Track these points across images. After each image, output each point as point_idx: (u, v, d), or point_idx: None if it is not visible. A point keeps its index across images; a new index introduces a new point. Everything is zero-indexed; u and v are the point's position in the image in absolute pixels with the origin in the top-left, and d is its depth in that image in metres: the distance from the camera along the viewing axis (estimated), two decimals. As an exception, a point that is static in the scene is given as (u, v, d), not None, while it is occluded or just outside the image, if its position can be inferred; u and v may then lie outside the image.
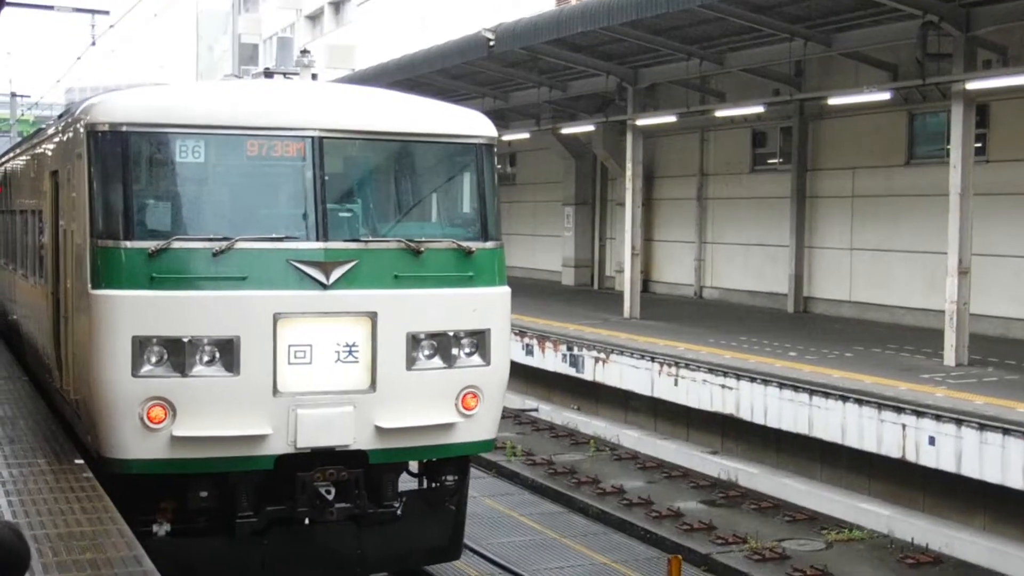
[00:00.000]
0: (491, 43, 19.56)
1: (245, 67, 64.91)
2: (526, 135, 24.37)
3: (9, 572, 2.39)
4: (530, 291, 23.65)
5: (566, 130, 24.26)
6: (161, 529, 7.66)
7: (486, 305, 8.29)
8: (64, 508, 6.43)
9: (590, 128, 23.46)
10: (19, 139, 39.83)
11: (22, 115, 45.31)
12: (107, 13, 18.64)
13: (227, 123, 7.78)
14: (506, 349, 8.48)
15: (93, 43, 19.18)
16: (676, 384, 14.88)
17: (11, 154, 15.52)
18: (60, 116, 12.77)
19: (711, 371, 14.24)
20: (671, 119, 20.09)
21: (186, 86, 13.55)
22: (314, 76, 8.84)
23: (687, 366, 14.70)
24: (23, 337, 12.58)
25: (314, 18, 55.26)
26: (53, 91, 44.38)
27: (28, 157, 12.33)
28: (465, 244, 8.19)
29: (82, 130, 7.88)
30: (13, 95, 44.55)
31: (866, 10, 15.45)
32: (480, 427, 8.25)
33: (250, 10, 65.93)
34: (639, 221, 20.13)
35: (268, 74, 9.01)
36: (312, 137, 7.84)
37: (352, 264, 7.73)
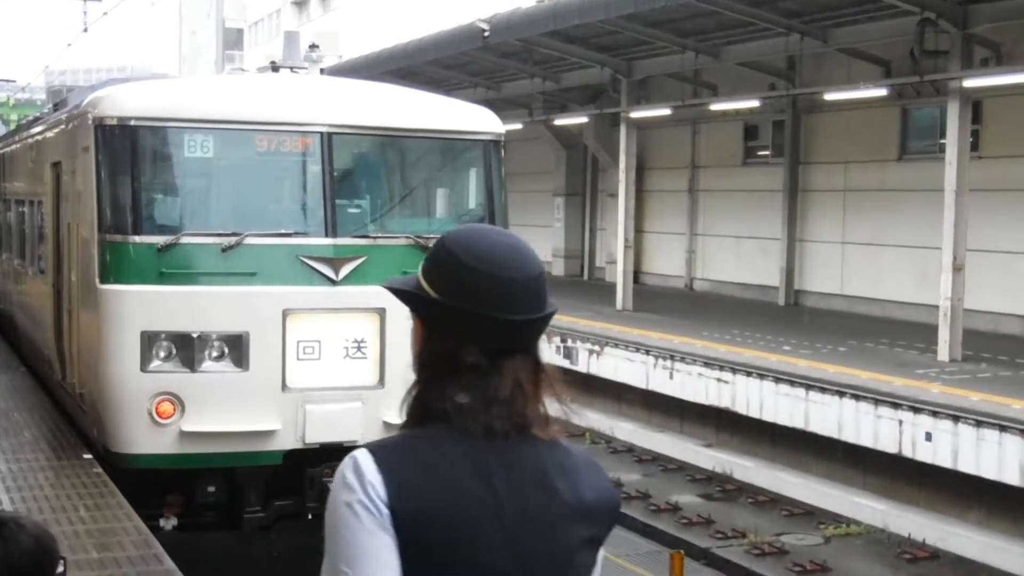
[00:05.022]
0: (486, 34, 19.51)
1: (229, 52, 64.56)
2: (518, 126, 24.34)
3: (44, 568, 2.39)
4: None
5: (559, 121, 24.25)
6: (168, 523, 7.66)
7: (493, 301, 8.30)
8: (77, 504, 6.42)
9: (582, 120, 23.46)
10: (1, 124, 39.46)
11: (6, 99, 44.91)
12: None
13: (236, 118, 7.77)
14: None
15: (85, 29, 19.02)
16: (671, 377, 14.94)
17: (4, 142, 15.39)
18: (56, 105, 12.70)
19: (707, 365, 14.30)
20: (666, 112, 20.12)
21: (195, 80, 13.50)
22: (321, 71, 8.82)
23: (683, 359, 14.76)
24: (18, 327, 12.51)
25: (300, 4, 54.95)
26: (40, 76, 44.00)
27: (24, 146, 12.24)
28: (473, 240, 8.19)
29: (89, 123, 7.83)
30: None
31: (863, 6, 15.51)
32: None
33: (235, -6, 65.49)
34: (632, 214, 20.17)
35: (275, 68, 8.98)
36: (321, 133, 7.82)
37: (361, 260, 7.73)
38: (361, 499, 1.76)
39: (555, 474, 1.84)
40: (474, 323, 1.83)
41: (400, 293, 1.92)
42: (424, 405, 1.86)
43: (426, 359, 1.88)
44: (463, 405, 1.81)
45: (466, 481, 1.79)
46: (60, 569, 2.30)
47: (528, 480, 1.82)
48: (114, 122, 7.64)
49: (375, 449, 1.82)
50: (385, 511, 1.75)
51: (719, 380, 14.06)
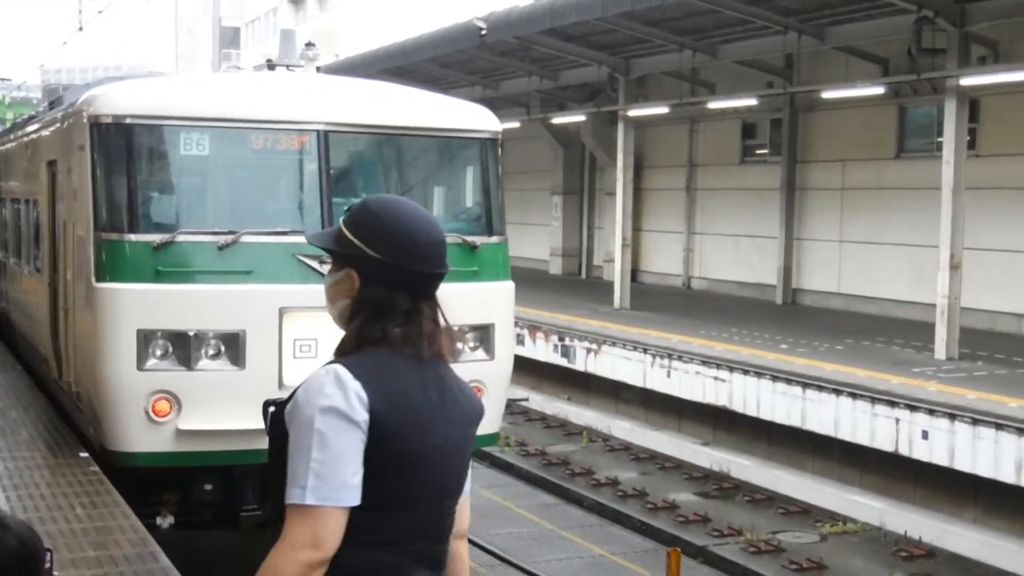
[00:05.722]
0: (483, 32, 19.50)
1: (226, 50, 64.48)
2: (516, 124, 24.31)
3: (28, 567, 2.38)
4: (518, 280, 23.38)
5: (556, 120, 24.23)
6: (165, 521, 7.65)
7: (491, 300, 8.30)
8: (74, 502, 6.41)
9: (580, 118, 23.45)
10: None
11: (2, 98, 44.82)
12: (95, -3, 18.44)
13: (232, 116, 7.76)
14: (510, 343, 8.50)
15: (81, 27, 18.95)
16: (669, 376, 14.94)
17: None
18: (52, 104, 12.68)
19: (704, 363, 14.30)
20: (663, 110, 20.11)
21: (190, 78, 13.49)
22: (317, 69, 8.81)
23: (680, 358, 14.76)
24: (14, 326, 12.50)
25: (297, 2, 54.88)
26: (35, 75, 43.94)
27: (20, 144, 12.22)
28: (470, 239, 8.19)
29: (84, 121, 7.82)
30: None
31: (860, 4, 15.51)
32: (485, 421, 8.20)
33: (232, -7, 65.36)
34: (630, 212, 20.16)
35: (271, 66, 8.96)
36: (317, 131, 7.81)
37: (358, 258, 7.71)
38: (340, 404, 2.23)
39: (456, 388, 2.44)
40: (405, 275, 2.36)
41: (336, 253, 2.42)
42: (362, 336, 2.36)
43: (363, 303, 2.39)
44: (399, 334, 2.34)
45: (413, 389, 2.33)
46: (47, 564, 2.29)
47: (445, 391, 2.40)
48: (109, 120, 7.63)
49: (348, 364, 2.29)
50: (365, 415, 2.24)
51: (716, 378, 14.07)
